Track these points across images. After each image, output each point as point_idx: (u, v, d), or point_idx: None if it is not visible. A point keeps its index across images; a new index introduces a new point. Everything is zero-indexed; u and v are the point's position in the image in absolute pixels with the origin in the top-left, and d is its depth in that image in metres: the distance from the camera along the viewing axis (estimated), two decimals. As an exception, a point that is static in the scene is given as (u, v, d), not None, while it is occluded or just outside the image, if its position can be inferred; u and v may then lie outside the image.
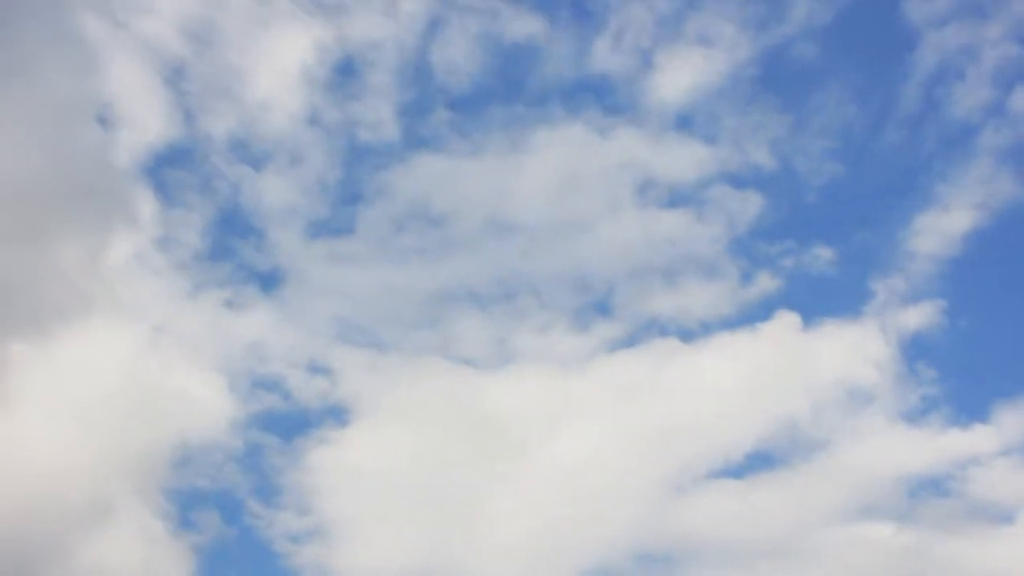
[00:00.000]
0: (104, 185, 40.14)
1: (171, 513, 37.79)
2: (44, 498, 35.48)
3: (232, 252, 43.87)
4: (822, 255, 43.75)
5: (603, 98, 46.12)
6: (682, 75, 45.28)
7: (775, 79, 46.31)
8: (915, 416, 41.13)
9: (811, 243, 43.98)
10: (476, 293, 44.00)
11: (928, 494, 39.73)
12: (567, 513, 39.33)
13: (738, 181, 44.89)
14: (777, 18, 45.79)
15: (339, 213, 44.92)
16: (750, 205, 44.46)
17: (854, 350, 41.64)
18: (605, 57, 45.83)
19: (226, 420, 39.87)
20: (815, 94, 45.96)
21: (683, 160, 45.06)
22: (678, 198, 45.00)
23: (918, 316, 42.37)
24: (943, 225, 43.36)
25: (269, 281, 43.42)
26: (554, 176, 45.43)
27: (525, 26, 46.00)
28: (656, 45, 45.75)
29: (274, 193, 44.52)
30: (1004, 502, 38.77)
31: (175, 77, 44.40)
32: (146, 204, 42.06)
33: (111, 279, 39.58)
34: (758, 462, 40.40)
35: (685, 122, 45.53)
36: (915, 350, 42.14)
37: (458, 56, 45.85)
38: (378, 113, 45.52)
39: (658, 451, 40.36)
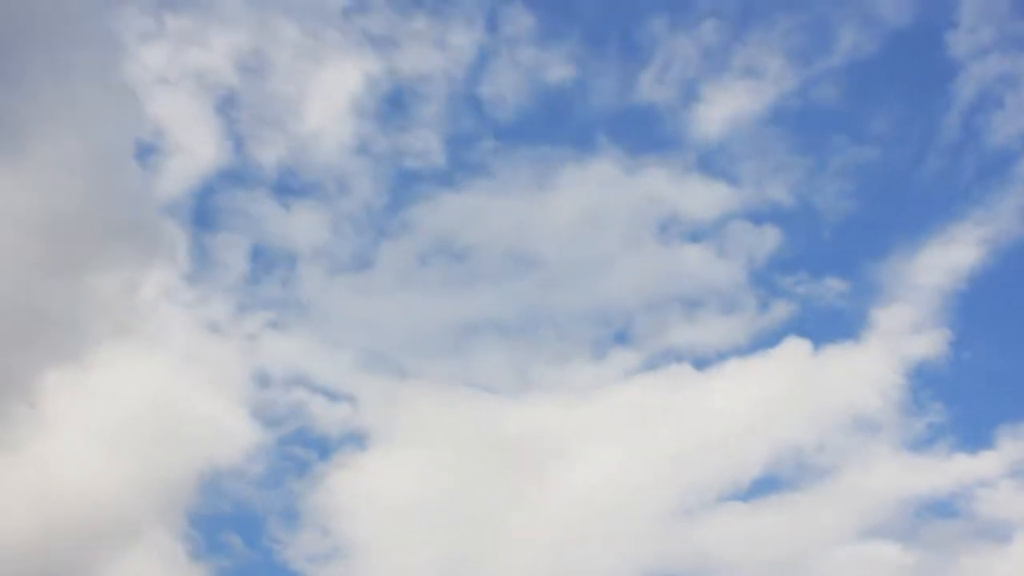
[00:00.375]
0: (141, 221, 40.85)
1: (194, 537, 38.38)
2: (72, 520, 36.11)
3: (263, 281, 44.41)
4: (834, 286, 44.10)
5: (646, 128, 46.61)
6: (724, 108, 45.72)
7: (811, 114, 46.69)
8: (920, 444, 41.42)
9: (824, 275, 44.33)
10: (498, 324, 44.46)
11: (933, 515, 40.03)
12: (581, 534, 39.61)
13: (758, 217, 45.40)
14: (825, 49, 46.16)
15: (370, 246, 45.46)
16: (768, 239, 44.96)
17: (861, 378, 42.00)
18: (650, 89, 46.29)
19: (250, 445, 40.43)
20: (844, 130, 46.36)
21: (708, 197, 45.50)
22: (700, 233, 45.43)
23: (924, 345, 42.67)
24: (950, 257, 43.68)
25: (297, 311, 43.96)
26: (579, 211, 46.02)
27: (571, 59, 46.64)
28: (701, 76, 46.33)
29: (311, 223, 45.16)
30: (1008, 522, 39.02)
31: (226, 106, 45.36)
32: (180, 240, 42.96)
33: (144, 310, 40.38)
34: (766, 486, 40.73)
35: (716, 159, 45.93)
36: (921, 379, 42.49)
37: (505, 89, 46.50)
38: (426, 144, 46.16)
39: (669, 474, 40.74)
